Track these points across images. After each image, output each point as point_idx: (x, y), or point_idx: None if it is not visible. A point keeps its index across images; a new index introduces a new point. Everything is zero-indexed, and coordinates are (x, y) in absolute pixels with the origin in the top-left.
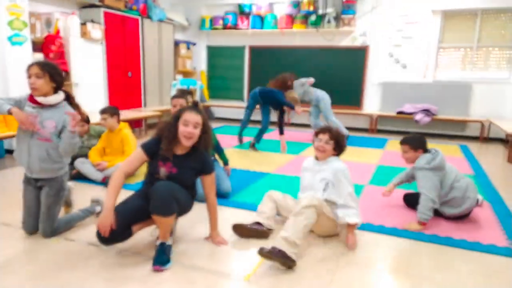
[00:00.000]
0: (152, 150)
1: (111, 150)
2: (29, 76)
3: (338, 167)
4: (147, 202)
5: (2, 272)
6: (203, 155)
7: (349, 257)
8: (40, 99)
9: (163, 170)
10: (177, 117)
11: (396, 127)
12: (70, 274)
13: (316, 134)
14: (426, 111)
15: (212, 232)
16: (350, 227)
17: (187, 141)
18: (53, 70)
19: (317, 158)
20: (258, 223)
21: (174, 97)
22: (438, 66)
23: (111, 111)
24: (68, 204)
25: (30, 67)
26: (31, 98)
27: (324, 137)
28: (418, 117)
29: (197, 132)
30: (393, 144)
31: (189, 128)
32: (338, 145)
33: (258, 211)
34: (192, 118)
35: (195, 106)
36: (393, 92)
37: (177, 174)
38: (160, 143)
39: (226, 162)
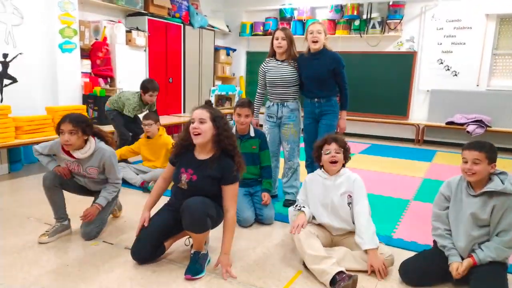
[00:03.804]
0: (173, 159)
1: (150, 155)
2: (62, 132)
3: (355, 177)
4: (176, 215)
5: (42, 272)
6: (225, 162)
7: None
8: (77, 155)
9: (184, 177)
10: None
11: (445, 138)
12: (107, 276)
13: (320, 146)
14: (479, 122)
15: (223, 256)
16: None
17: (195, 138)
18: (84, 124)
19: (327, 172)
20: (342, 272)
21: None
22: (492, 74)
23: (155, 117)
24: (119, 208)
25: (63, 123)
26: (67, 152)
27: (332, 147)
28: (470, 128)
29: (204, 127)
30: (442, 157)
31: (194, 124)
32: (346, 152)
33: (320, 257)
34: (196, 114)
35: (206, 104)
36: (442, 100)
37: (197, 182)
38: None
39: (267, 189)
